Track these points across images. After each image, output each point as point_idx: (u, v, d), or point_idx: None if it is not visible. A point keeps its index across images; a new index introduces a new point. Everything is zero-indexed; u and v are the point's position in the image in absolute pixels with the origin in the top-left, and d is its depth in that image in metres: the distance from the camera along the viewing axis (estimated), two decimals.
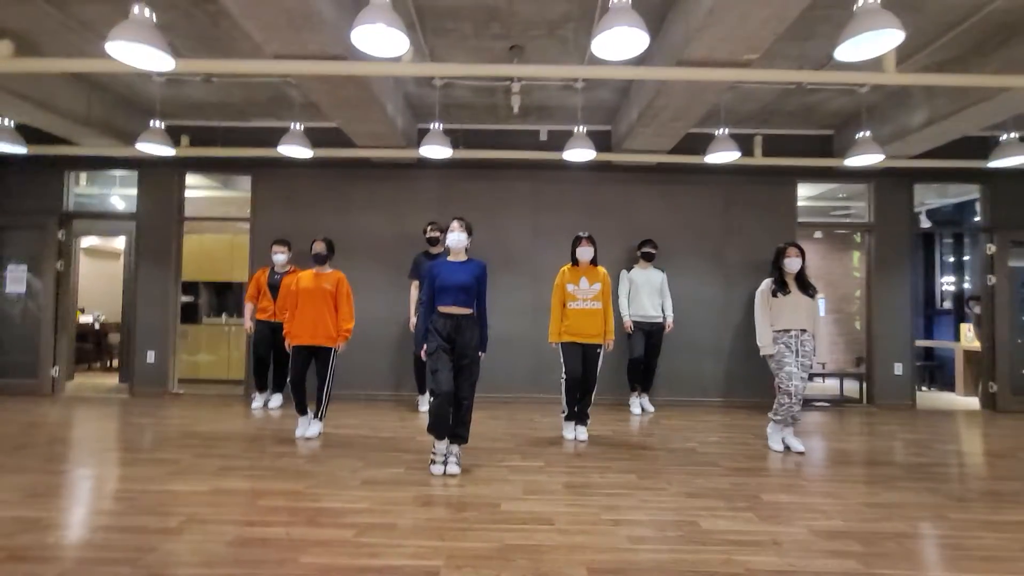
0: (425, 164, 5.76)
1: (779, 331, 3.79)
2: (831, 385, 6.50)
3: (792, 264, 3.81)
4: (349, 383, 5.57)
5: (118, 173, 6.27)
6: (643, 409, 5.15)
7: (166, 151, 4.70)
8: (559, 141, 5.48)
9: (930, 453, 3.91)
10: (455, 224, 3.24)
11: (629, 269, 5.14)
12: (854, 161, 4.64)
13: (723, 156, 4.61)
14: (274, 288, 4.95)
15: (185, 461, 3.35)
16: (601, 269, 4.00)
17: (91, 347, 8.29)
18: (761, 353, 3.89)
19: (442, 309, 3.17)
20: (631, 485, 3.04)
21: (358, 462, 3.37)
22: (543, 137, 5.81)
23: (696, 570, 2.05)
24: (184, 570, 2.00)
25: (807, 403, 5.78)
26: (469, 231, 3.29)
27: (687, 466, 3.42)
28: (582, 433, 4.02)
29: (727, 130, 4.59)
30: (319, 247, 4.02)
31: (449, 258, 3.29)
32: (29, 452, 3.54)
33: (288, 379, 4.01)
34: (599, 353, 3.96)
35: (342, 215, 5.82)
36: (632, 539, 2.32)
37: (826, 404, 5.83)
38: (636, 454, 3.69)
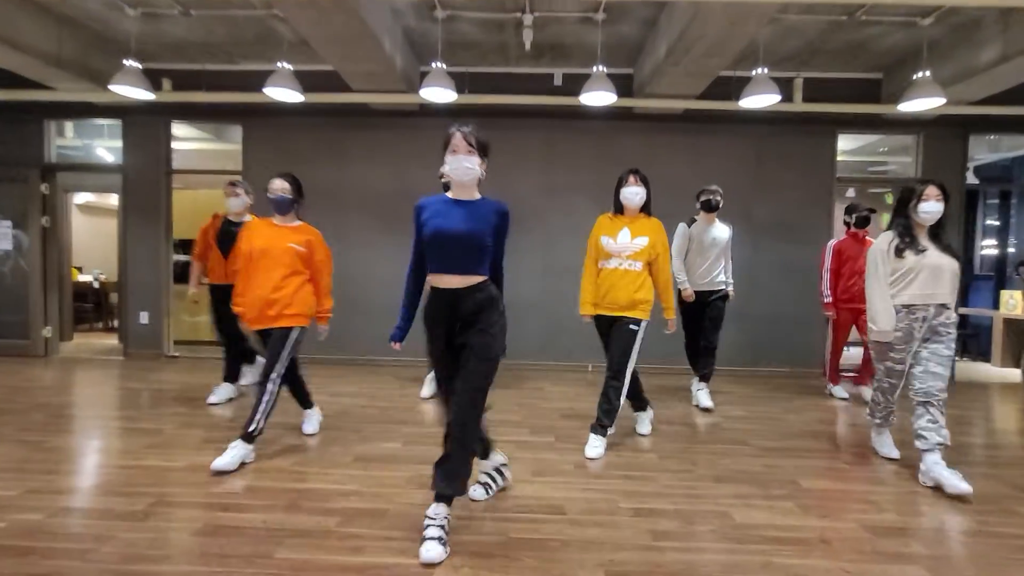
0: (428, 111, 5.28)
1: (905, 306, 2.65)
2: (855, 355, 6.08)
3: (930, 211, 2.62)
4: (346, 347, 5.30)
5: (104, 122, 5.87)
6: (699, 404, 3.95)
7: (144, 95, 4.29)
8: (574, 86, 4.95)
9: (977, 432, 3.56)
10: (458, 140, 1.95)
11: (690, 223, 3.90)
12: (910, 106, 4.10)
13: (761, 100, 4.09)
14: (228, 242, 3.66)
15: (167, 432, 3.10)
16: (654, 221, 3.00)
17: (91, 307, 8.11)
18: (872, 337, 2.73)
19: (434, 280, 1.98)
20: (651, 466, 2.73)
21: (352, 434, 3.10)
22: (557, 82, 5.28)
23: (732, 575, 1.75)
24: (139, 566, 1.73)
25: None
26: (482, 151, 1.99)
27: (712, 444, 3.11)
28: (593, 449, 2.87)
29: (766, 69, 4.05)
30: (279, 186, 2.77)
31: (450, 194, 2.03)
32: (5, 419, 3.31)
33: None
34: (634, 331, 2.90)
35: (340, 168, 5.41)
36: (655, 534, 2.02)
37: (853, 374, 5.45)
38: (655, 429, 3.38)
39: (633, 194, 2.94)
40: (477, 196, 2.03)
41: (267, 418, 2.69)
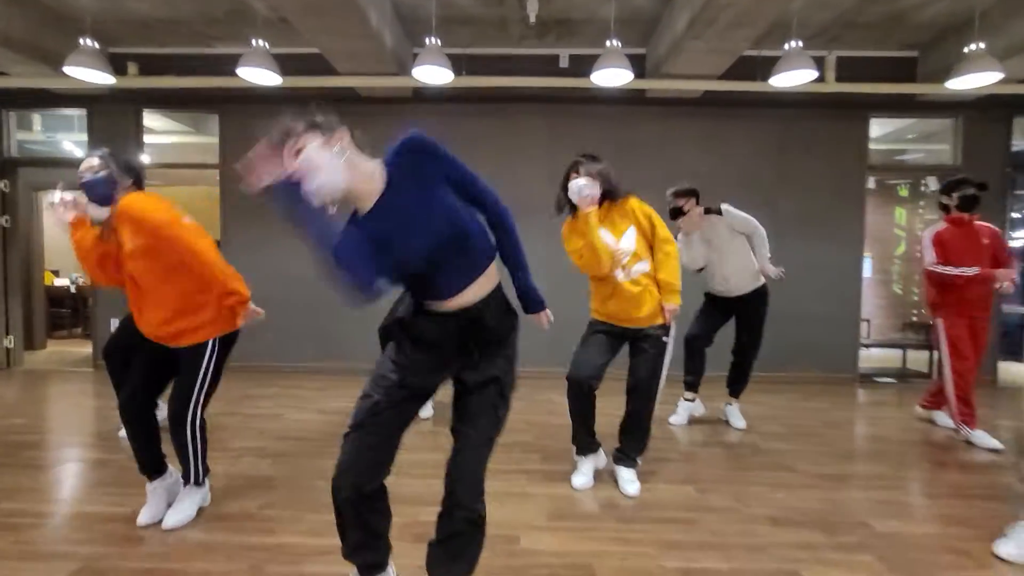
0: (422, 97, 4.83)
1: None
2: (889, 356, 5.69)
3: None
4: (343, 355, 4.86)
5: (74, 113, 5.39)
6: (730, 423, 3.47)
7: (103, 78, 3.82)
8: (582, 68, 4.52)
9: None
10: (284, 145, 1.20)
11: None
12: (961, 83, 3.67)
13: (795, 77, 3.65)
14: None
15: (118, 464, 2.65)
16: (632, 201, 2.36)
17: (67, 312, 7.65)
18: None
19: (435, 306, 1.34)
20: (691, 503, 2.30)
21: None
22: (563, 63, 4.83)
23: None
24: None
25: (866, 379, 5.00)
26: (321, 127, 1.23)
27: (756, 471, 2.67)
28: (628, 484, 2.37)
29: (800, 43, 3.61)
30: (88, 165, 1.98)
31: (361, 205, 1.27)
32: None
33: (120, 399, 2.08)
34: (665, 344, 2.37)
35: None
36: None
37: (890, 380, 5.04)
38: (684, 452, 2.95)
39: (580, 188, 2.20)
40: (376, 182, 1.24)
41: (203, 457, 2.12)
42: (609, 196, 2.33)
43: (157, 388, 2.10)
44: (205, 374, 2.03)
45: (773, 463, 2.79)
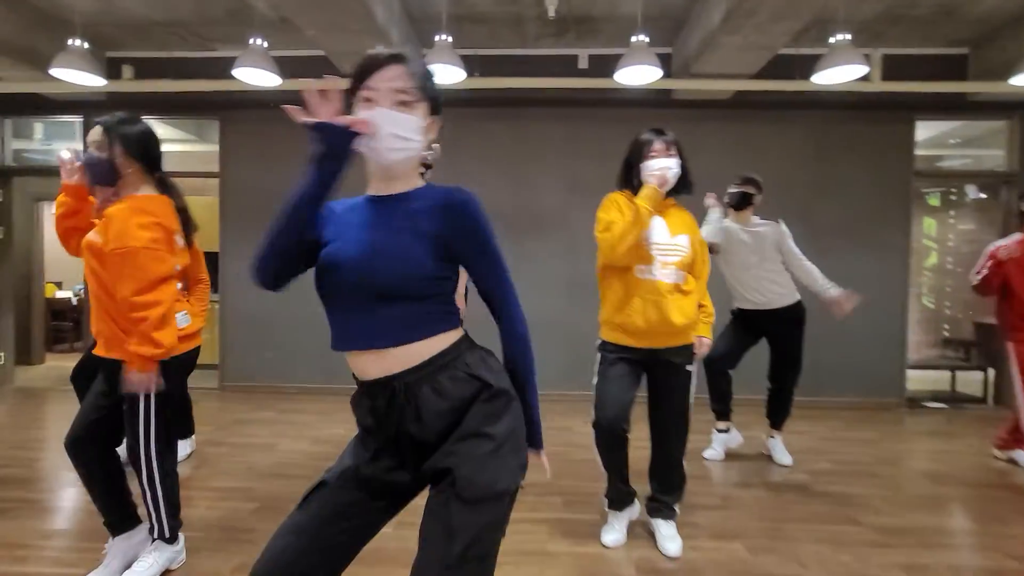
0: None
1: None
2: (927, 376, 5.23)
3: None
4: (349, 375, 4.55)
5: (73, 120, 5.21)
6: (772, 455, 3.09)
7: (94, 81, 3.60)
8: (603, 69, 4.22)
9: None
10: (379, 80, 0.98)
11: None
12: None
13: (841, 73, 3.31)
14: None
15: (35, 511, 2.35)
16: (688, 215, 2.08)
17: (70, 326, 7.47)
18: None
19: (352, 364, 1.04)
20: (743, 566, 1.94)
21: None
22: (582, 64, 4.53)
23: None
24: None
25: (914, 404, 4.58)
26: (431, 98, 1.04)
27: (814, 524, 2.30)
28: (669, 541, 2.02)
29: (848, 36, 3.27)
30: (93, 137, 1.70)
31: (370, 190, 1.07)
32: None
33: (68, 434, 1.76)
34: (690, 374, 2.05)
35: None
36: None
37: (941, 405, 4.61)
38: (726, 496, 2.58)
39: (665, 170, 1.91)
40: (417, 184, 1.06)
41: (165, 505, 1.77)
42: (679, 189, 2.01)
43: (114, 419, 1.77)
44: (147, 402, 1.68)
45: (831, 513, 2.41)
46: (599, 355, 2.08)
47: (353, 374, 1.04)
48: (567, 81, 4.22)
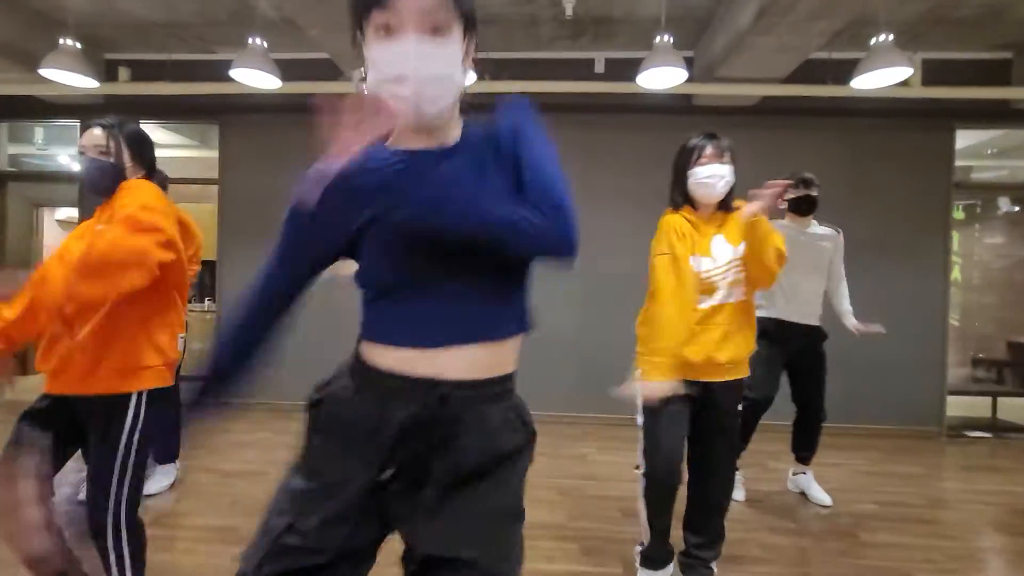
0: None
1: None
2: (967, 402, 4.88)
3: None
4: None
5: (72, 124, 5.07)
6: (807, 494, 2.80)
7: (85, 82, 3.42)
8: (620, 74, 4.01)
9: None
10: (407, 9, 0.70)
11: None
12: None
13: (883, 77, 3.05)
14: None
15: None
16: (740, 212, 1.76)
17: None
18: None
19: (384, 357, 0.78)
20: None
21: None
22: (599, 68, 4.32)
23: None
24: None
25: (954, 433, 4.25)
26: (466, 11, 0.76)
27: None
28: None
29: (891, 36, 3.02)
30: (92, 139, 1.47)
31: (400, 143, 0.81)
32: None
33: None
34: (740, 413, 1.82)
35: None
36: None
37: (984, 435, 4.28)
38: (765, 544, 2.30)
39: (716, 179, 1.70)
40: (456, 132, 0.82)
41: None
42: (726, 201, 1.78)
43: (55, 462, 1.46)
44: (127, 450, 1.41)
45: (887, 570, 2.12)
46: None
47: (364, 364, 0.80)
48: (585, 85, 4.00)
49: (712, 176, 1.70)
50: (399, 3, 0.70)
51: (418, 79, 0.71)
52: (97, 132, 1.49)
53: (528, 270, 0.83)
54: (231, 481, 2.86)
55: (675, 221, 1.77)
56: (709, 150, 1.73)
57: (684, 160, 1.79)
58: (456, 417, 0.75)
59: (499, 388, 0.79)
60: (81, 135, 1.51)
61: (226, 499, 2.63)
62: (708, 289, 1.72)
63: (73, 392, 1.44)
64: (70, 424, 1.47)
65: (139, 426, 1.43)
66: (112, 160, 1.46)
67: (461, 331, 0.76)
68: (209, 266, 6.06)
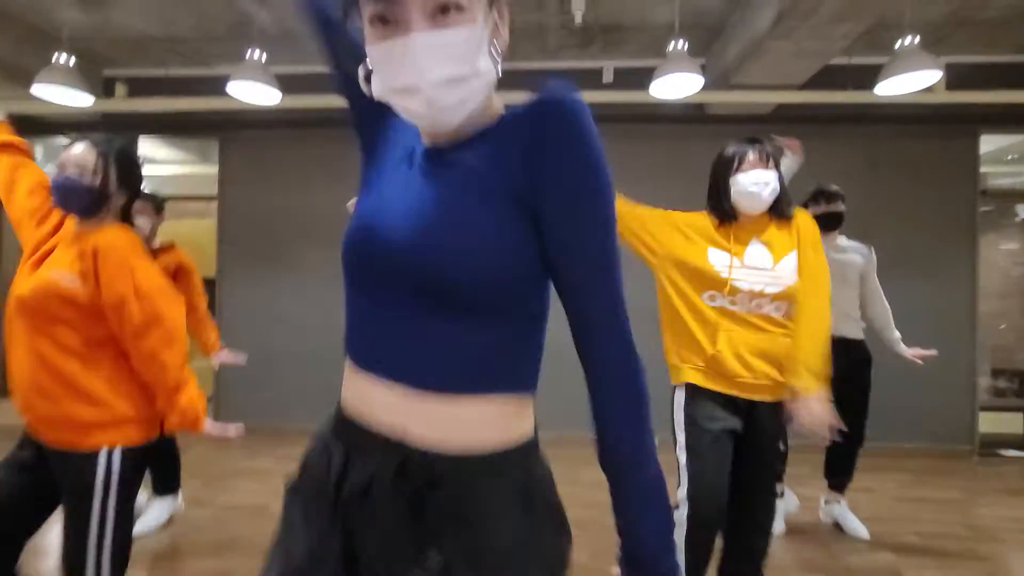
0: None
1: None
2: (998, 418, 4.69)
3: None
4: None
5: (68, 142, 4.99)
6: (843, 525, 2.63)
7: (80, 99, 3.32)
8: (629, 83, 3.88)
9: None
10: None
11: None
12: None
13: (909, 81, 2.91)
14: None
15: None
16: (801, 221, 1.60)
17: None
18: None
19: (349, 390, 0.68)
20: None
21: None
22: (607, 78, 4.20)
23: None
24: None
25: (986, 451, 4.06)
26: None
27: None
28: None
29: (917, 38, 2.88)
30: (74, 156, 1.30)
31: (425, 140, 0.66)
32: None
33: None
34: (786, 428, 1.61)
35: (337, 194, 4.33)
36: None
37: (1018, 453, 4.09)
38: None
39: (762, 187, 1.53)
40: (491, 117, 0.65)
41: None
42: (779, 208, 1.59)
43: (26, 524, 1.34)
44: (103, 514, 1.25)
45: None
46: (683, 415, 1.62)
47: (339, 403, 0.68)
48: (596, 94, 3.87)
49: (757, 183, 1.54)
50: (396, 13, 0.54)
51: (430, 87, 0.56)
52: (80, 149, 1.33)
53: (530, 307, 0.63)
54: (230, 517, 2.70)
55: (699, 220, 1.66)
56: (751, 156, 1.57)
57: (724, 169, 1.63)
58: (431, 480, 0.58)
59: (490, 463, 0.61)
60: (71, 150, 1.36)
61: (223, 538, 2.47)
62: (719, 285, 1.55)
63: (40, 438, 1.30)
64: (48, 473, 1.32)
65: (113, 486, 1.26)
66: (87, 183, 1.31)
67: (389, 359, 0.61)
68: (208, 285, 5.92)
